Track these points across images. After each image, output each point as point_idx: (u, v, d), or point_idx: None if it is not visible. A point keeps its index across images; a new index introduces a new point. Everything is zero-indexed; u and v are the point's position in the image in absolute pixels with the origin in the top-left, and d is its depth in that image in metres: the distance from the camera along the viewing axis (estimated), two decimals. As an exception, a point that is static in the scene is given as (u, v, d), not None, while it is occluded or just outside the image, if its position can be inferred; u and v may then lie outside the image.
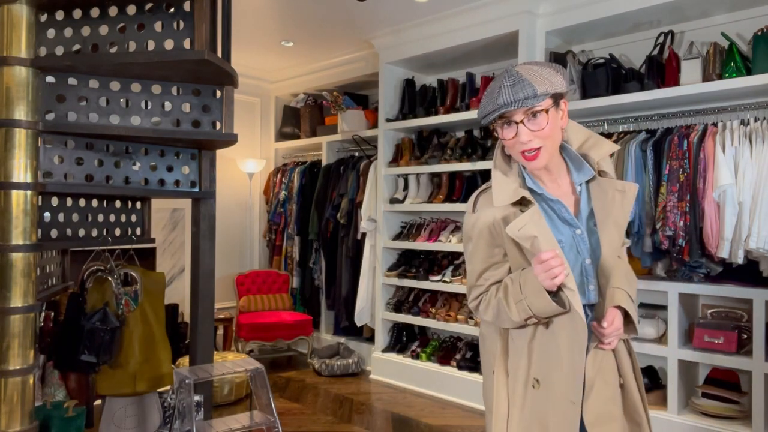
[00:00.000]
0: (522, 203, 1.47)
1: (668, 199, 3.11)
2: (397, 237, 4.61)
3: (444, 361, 4.22)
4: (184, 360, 3.93)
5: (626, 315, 1.52)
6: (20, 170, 2.06)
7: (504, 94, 1.38)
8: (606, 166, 1.55)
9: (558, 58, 3.75)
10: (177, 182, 2.58)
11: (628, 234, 3.23)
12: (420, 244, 4.36)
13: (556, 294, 1.42)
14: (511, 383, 1.54)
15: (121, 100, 2.30)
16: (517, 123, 1.40)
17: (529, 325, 1.49)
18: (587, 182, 1.53)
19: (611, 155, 1.67)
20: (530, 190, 1.49)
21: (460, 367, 4.10)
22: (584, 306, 1.51)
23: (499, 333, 1.59)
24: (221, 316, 5.07)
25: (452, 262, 4.33)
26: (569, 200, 1.53)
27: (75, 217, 2.50)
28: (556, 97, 1.43)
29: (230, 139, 2.47)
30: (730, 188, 2.94)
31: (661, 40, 3.44)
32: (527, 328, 1.51)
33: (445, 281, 4.17)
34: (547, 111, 1.40)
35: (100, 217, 2.63)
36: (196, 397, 2.53)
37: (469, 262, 1.59)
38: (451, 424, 3.65)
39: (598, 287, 1.52)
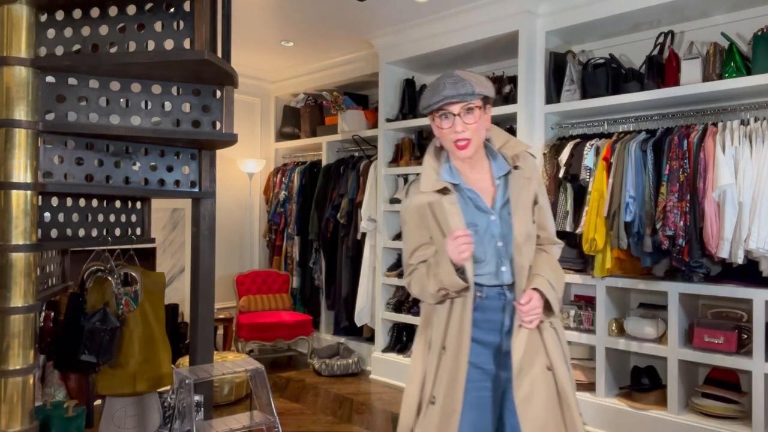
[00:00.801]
0: (444, 192, 1.71)
1: (668, 199, 3.11)
2: (397, 237, 4.61)
3: (444, 361, 4.21)
4: (184, 360, 3.93)
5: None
6: (20, 170, 2.06)
7: (448, 88, 1.63)
8: (521, 162, 1.77)
9: (558, 58, 3.76)
10: (177, 182, 2.58)
11: (628, 234, 3.24)
12: (420, 244, 4.35)
13: (464, 272, 1.65)
14: (431, 351, 1.76)
15: (121, 100, 2.30)
16: (454, 115, 1.64)
17: (442, 297, 1.71)
18: (506, 176, 1.77)
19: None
20: (451, 183, 1.73)
21: (460, 367, 4.10)
22: (501, 286, 1.73)
23: (425, 308, 1.82)
24: (221, 316, 5.07)
25: (452, 262, 4.33)
26: (488, 192, 1.76)
27: (75, 217, 2.50)
28: (486, 100, 1.70)
29: (230, 139, 2.47)
30: (730, 188, 2.94)
31: (661, 40, 3.44)
32: (446, 305, 1.73)
33: (445, 281, 4.17)
34: (480, 108, 1.67)
35: (100, 217, 2.63)
36: (196, 397, 2.53)
37: (404, 243, 1.84)
38: (451, 424, 3.64)
39: (511, 269, 1.72)
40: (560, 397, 1.72)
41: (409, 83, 4.62)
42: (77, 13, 2.19)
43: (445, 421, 1.70)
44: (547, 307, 1.71)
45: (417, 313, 4.37)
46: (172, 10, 2.22)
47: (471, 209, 1.72)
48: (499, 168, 1.76)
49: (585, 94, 3.60)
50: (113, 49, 2.22)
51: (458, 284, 1.64)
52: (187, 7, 2.21)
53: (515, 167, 1.74)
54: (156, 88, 2.36)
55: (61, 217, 2.44)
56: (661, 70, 3.38)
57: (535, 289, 1.68)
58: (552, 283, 1.70)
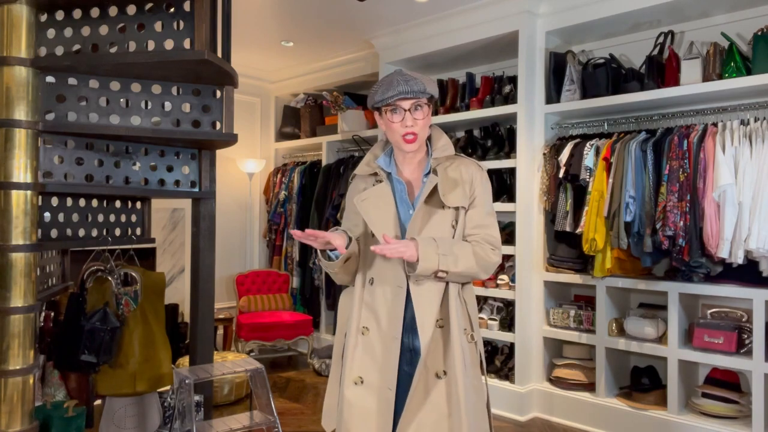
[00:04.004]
0: (380, 181, 1.82)
1: (668, 199, 3.11)
2: (397, 237, 4.60)
3: (444, 361, 4.21)
4: (184, 360, 3.93)
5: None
6: (20, 170, 2.06)
7: (402, 85, 1.72)
8: (442, 166, 1.81)
9: (558, 58, 3.76)
10: (177, 182, 2.58)
11: (628, 234, 3.24)
12: (420, 244, 4.35)
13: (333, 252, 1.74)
14: (348, 333, 1.82)
15: (121, 100, 2.30)
16: (405, 110, 1.73)
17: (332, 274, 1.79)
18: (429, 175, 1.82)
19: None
20: (382, 169, 1.82)
21: (460, 367, 4.09)
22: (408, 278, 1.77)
23: (347, 296, 1.90)
24: (221, 316, 5.07)
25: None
26: (416, 186, 1.83)
27: (75, 217, 2.50)
28: (431, 100, 1.79)
29: (230, 139, 2.47)
30: (730, 188, 2.94)
31: (661, 40, 3.44)
32: (357, 287, 1.80)
33: (445, 281, 4.17)
34: (427, 106, 1.77)
35: (100, 217, 2.63)
36: (196, 397, 2.53)
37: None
38: (451, 424, 3.64)
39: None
40: (450, 408, 1.71)
41: (409, 83, 4.61)
42: (77, 13, 2.19)
43: (379, 400, 1.73)
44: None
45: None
46: (172, 10, 2.22)
47: (397, 200, 1.80)
48: (427, 168, 1.83)
49: (585, 94, 3.60)
50: (113, 49, 2.23)
51: (324, 262, 1.76)
52: (187, 7, 2.21)
53: (434, 170, 1.80)
54: (156, 88, 2.36)
55: (61, 217, 2.44)
56: (661, 70, 3.38)
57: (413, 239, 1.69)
58: (439, 244, 1.67)
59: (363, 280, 1.80)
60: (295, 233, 1.64)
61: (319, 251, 1.77)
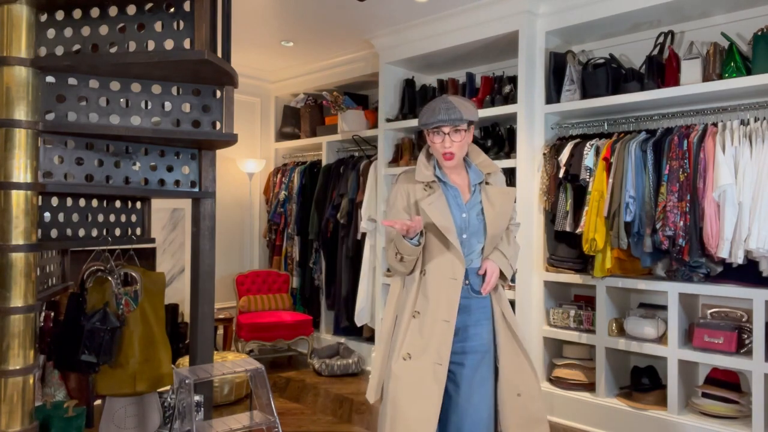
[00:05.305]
0: (431, 187, 2.13)
1: (668, 199, 3.11)
2: (397, 237, 4.60)
3: (444, 361, 4.21)
4: (184, 360, 3.93)
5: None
6: (20, 170, 2.06)
7: (442, 113, 2.06)
8: (495, 179, 2.23)
9: (558, 58, 3.76)
10: (177, 182, 2.58)
11: (628, 234, 3.24)
12: (420, 244, 4.35)
13: (418, 240, 2.03)
14: (400, 316, 2.13)
15: (121, 100, 2.30)
16: (445, 133, 2.08)
17: (405, 263, 2.07)
18: (480, 185, 2.20)
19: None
20: (438, 178, 2.15)
21: (460, 367, 4.10)
22: (467, 269, 2.13)
23: (397, 284, 2.21)
24: (221, 316, 5.07)
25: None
26: (465, 194, 2.18)
27: (75, 217, 2.50)
28: (470, 123, 2.12)
29: (230, 139, 2.47)
30: (730, 188, 2.94)
31: (661, 40, 3.44)
32: (414, 278, 2.11)
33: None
34: (465, 130, 2.10)
35: (100, 217, 2.63)
36: (196, 397, 2.53)
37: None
38: (451, 424, 3.64)
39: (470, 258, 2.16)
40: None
41: (409, 83, 4.61)
42: (77, 13, 2.19)
43: (426, 372, 2.02)
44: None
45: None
46: (172, 10, 2.22)
47: (452, 204, 2.12)
48: (475, 177, 2.19)
49: (585, 94, 3.60)
50: (113, 49, 2.22)
51: (411, 249, 2.02)
52: (187, 7, 2.21)
53: (487, 183, 2.19)
54: (156, 88, 2.36)
55: (61, 217, 2.44)
56: (661, 70, 3.38)
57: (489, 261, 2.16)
58: (505, 254, 2.19)
59: (419, 271, 2.11)
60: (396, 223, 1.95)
61: (406, 238, 2.01)
